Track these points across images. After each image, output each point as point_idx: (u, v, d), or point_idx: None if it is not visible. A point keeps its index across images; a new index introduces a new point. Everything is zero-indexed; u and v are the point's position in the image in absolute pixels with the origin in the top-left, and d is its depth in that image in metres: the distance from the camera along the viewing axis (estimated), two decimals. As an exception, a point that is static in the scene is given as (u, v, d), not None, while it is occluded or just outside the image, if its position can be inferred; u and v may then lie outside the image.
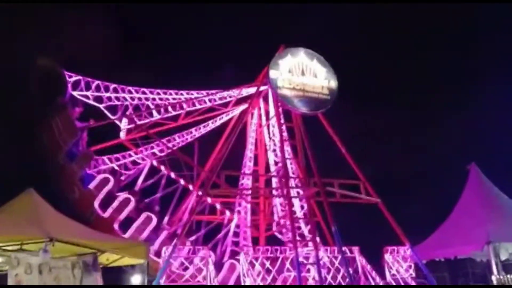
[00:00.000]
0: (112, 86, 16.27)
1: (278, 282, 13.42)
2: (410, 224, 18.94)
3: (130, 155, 17.71)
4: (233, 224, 17.92)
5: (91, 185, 14.88)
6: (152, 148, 18.04)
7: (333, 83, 17.59)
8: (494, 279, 14.68)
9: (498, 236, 14.48)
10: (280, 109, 17.17)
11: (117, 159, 17.31)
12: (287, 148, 17.60)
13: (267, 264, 13.60)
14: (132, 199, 15.07)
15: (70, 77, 15.42)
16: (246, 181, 18.72)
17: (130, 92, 16.67)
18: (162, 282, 12.69)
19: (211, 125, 19.82)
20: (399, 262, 15.38)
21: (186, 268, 13.18)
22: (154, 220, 14.84)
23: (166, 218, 16.97)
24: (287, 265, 13.73)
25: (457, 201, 18.36)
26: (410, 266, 15.45)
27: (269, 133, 19.23)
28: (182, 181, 18.02)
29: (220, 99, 19.08)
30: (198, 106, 18.51)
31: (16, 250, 8.08)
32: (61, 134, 14.96)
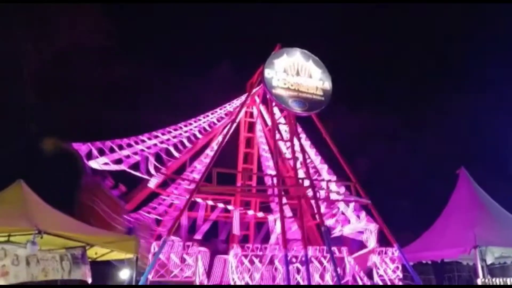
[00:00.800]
0: (124, 141, 15.56)
1: (265, 279, 13.48)
2: (398, 226, 19.12)
3: (164, 200, 17.35)
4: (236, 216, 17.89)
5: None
6: (179, 184, 17.52)
7: (328, 85, 17.66)
8: (479, 282, 14.88)
9: (485, 240, 14.69)
10: (275, 109, 17.24)
11: (154, 208, 16.86)
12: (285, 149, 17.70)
13: (256, 261, 13.65)
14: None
15: (79, 148, 14.28)
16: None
17: (143, 141, 16.10)
18: (150, 277, 12.71)
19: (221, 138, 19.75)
20: (387, 263, 15.52)
21: (176, 264, 13.19)
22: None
23: None
24: (276, 263, 13.80)
25: (446, 204, 18.60)
26: (397, 268, 15.60)
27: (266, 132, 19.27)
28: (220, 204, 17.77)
29: (226, 114, 19.18)
30: (208, 129, 18.48)
31: (3, 241, 8.03)
32: (109, 216, 13.53)
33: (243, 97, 19.11)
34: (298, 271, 14.06)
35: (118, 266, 13.82)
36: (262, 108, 19.93)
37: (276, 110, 18.04)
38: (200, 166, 18.39)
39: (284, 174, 18.32)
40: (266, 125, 19.88)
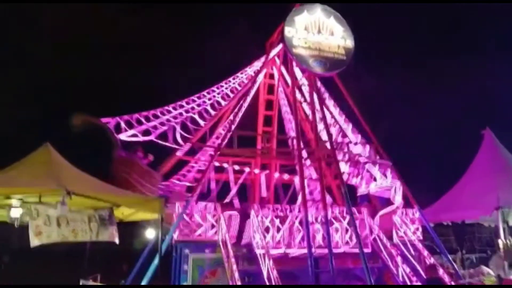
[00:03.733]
0: (151, 113, 15.65)
1: (287, 239, 13.73)
2: (420, 187, 19.05)
3: (193, 167, 17.55)
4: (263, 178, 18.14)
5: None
6: (205, 151, 17.68)
7: (350, 43, 17.13)
8: (500, 243, 14.88)
9: (508, 201, 14.52)
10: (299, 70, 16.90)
11: (185, 176, 17.16)
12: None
13: (277, 222, 13.86)
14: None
15: (107, 123, 14.40)
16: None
17: (169, 111, 16.18)
18: (175, 236, 13.11)
19: (244, 104, 19.57)
20: (407, 224, 15.58)
21: (199, 224, 13.53)
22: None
23: None
24: (296, 223, 13.99)
25: (469, 165, 18.34)
26: (417, 229, 15.67)
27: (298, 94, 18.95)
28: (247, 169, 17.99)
29: (247, 79, 18.87)
30: (231, 95, 18.29)
31: (35, 202, 8.29)
32: (144, 186, 13.36)
33: (263, 59, 18.71)
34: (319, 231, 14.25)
35: (144, 226, 14.28)
36: (282, 68, 19.54)
37: (297, 70, 17.68)
38: (224, 131, 18.50)
39: (306, 136, 18.24)
40: (287, 86, 19.56)
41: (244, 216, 14.54)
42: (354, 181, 16.58)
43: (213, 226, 13.63)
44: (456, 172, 18.82)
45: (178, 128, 16.04)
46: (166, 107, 16.42)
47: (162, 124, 15.84)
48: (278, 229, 13.69)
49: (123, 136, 14.53)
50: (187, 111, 16.85)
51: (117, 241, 9.21)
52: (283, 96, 20.20)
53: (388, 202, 16.10)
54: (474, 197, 15.87)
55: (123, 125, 14.71)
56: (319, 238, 14.01)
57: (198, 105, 17.32)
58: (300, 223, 13.78)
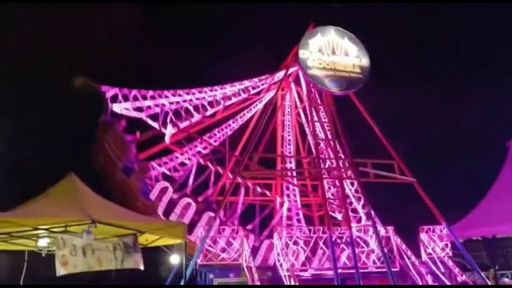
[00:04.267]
0: (149, 93, 16.33)
1: (313, 261, 13.55)
2: (446, 202, 18.58)
3: (177, 157, 17.96)
4: (285, 208, 18.14)
5: (152, 196, 14.95)
6: (195, 146, 18.24)
7: (365, 61, 17.21)
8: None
9: (540, 214, 14.02)
10: (314, 90, 17.01)
11: (165, 163, 17.60)
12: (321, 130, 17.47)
13: (301, 243, 13.71)
14: (192, 203, 15.23)
15: (107, 91, 15.39)
16: (290, 165, 18.69)
17: (167, 96, 16.74)
18: (199, 261, 13.10)
19: (247, 114, 19.87)
20: (435, 241, 15.16)
21: (223, 249, 13.50)
22: (216, 219, 14.33)
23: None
24: (321, 244, 13.82)
25: (496, 179, 17.85)
26: (446, 245, 15.22)
27: (305, 115, 19.09)
28: (230, 175, 18.06)
29: (253, 88, 19.07)
30: (233, 100, 18.58)
31: (61, 231, 8.43)
32: (114, 153, 14.90)
33: (273, 74, 18.95)
34: (343, 251, 14.02)
35: (168, 252, 14.36)
36: (294, 89, 19.79)
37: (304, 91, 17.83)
38: (219, 134, 18.86)
39: (324, 156, 18.14)
40: (296, 107, 19.86)
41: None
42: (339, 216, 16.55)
43: (237, 251, 13.57)
44: (482, 185, 18.34)
45: (170, 113, 16.50)
46: (166, 92, 16.87)
47: (156, 105, 16.42)
48: (303, 251, 13.53)
49: (116, 106, 15.44)
50: (184, 101, 17.21)
51: (142, 267, 9.25)
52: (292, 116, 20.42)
53: None
54: (504, 211, 15.39)
55: (120, 97, 15.62)
56: (345, 258, 13.79)
57: (197, 99, 17.59)
58: (325, 243, 13.60)
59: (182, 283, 10.77)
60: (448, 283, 14.01)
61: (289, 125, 20.69)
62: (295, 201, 19.18)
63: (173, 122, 16.51)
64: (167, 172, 17.24)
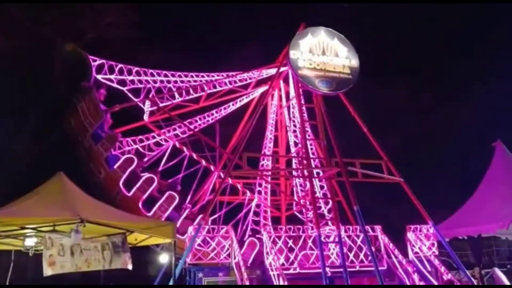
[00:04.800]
0: (135, 69, 16.61)
1: (300, 259, 13.64)
2: (433, 202, 18.83)
3: (153, 137, 18.22)
4: (253, 204, 18.25)
5: (116, 165, 15.32)
6: (174, 130, 18.47)
7: (355, 62, 17.34)
8: (519, 257, 14.57)
9: (524, 214, 14.31)
10: (301, 90, 17.11)
11: (141, 141, 17.94)
12: (308, 129, 17.61)
13: (290, 242, 13.81)
14: (155, 178, 15.46)
15: (94, 61, 15.82)
16: (267, 162, 18.89)
17: (152, 75, 17.02)
18: (188, 260, 13.12)
19: (232, 106, 19.97)
20: (422, 240, 15.38)
21: (209, 246, 13.55)
22: (177, 199, 15.24)
23: (188, 198, 17.47)
24: (309, 243, 13.92)
25: (482, 179, 18.15)
26: (433, 244, 15.44)
27: (289, 114, 19.21)
28: (203, 162, 18.31)
29: (240, 80, 19.14)
30: (218, 88, 18.65)
31: (49, 231, 8.41)
32: (86, 117, 15.44)
33: (260, 68, 19.05)
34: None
35: (156, 251, 14.42)
36: (283, 89, 19.90)
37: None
38: (200, 121, 19.15)
39: (313, 155, 18.29)
40: (281, 107, 20.01)
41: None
42: (309, 215, 16.83)
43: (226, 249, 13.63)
44: (469, 185, 18.64)
45: (152, 91, 16.80)
46: (151, 70, 17.10)
47: (140, 81, 16.67)
48: (292, 250, 13.63)
49: (100, 76, 15.82)
50: (168, 82, 17.42)
51: (130, 267, 9.26)
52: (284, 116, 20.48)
53: None
54: (489, 210, 15.67)
55: (105, 68, 16.02)
56: (333, 257, 13.91)
57: (182, 82, 17.77)
58: (314, 242, 13.71)
59: (171, 282, 10.80)
60: (434, 282, 14.23)
61: (272, 123, 20.76)
62: (265, 199, 19.26)
63: (152, 100, 16.66)
64: (141, 150, 17.57)
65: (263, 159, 19.15)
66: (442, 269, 14.65)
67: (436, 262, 14.91)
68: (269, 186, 19.12)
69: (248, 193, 18.64)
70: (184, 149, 18.25)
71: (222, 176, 15.91)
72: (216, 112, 19.75)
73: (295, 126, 19.17)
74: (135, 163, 15.53)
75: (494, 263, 18.25)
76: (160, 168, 17.44)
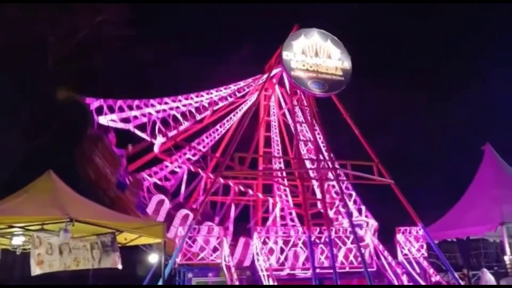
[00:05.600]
0: (135, 103, 15.86)
1: (289, 260, 13.70)
2: (423, 204, 18.95)
3: (167, 166, 17.87)
4: (277, 208, 18.32)
5: (149, 210, 14.61)
6: (185, 154, 18.27)
7: (347, 64, 17.45)
8: (507, 259, 14.74)
9: (512, 217, 14.48)
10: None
11: (156, 173, 17.52)
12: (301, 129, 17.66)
13: (280, 243, 13.84)
14: (190, 214, 14.85)
15: (91, 103, 14.89)
16: (279, 165, 18.87)
17: (153, 105, 16.30)
18: (178, 260, 13.10)
19: (233, 118, 19.90)
20: (411, 242, 15.50)
21: (202, 247, 13.53)
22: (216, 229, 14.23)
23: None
24: (300, 244, 13.97)
25: (471, 182, 18.32)
26: (422, 246, 15.57)
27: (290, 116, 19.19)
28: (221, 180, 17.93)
29: (239, 91, 18.98)
30: (220, 104, 18.44)
31: (37, 229, 8.35)
32: (105, 167, 14.42)
33: (258, 77, 19.03)
34: (322, 252, 14.20)
35: (146, 251, 14.31)
36: (278, 90, 19.91)
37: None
38: (207, 140, 18.87)
39: (305, 157, 18.33)
40: (280, 108, 19.95)
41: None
42: (330, 213, 16.58)
43: (216, 250, 13.62)
44: (459, 188, 18.80)
45: (158, 123, 16.07)
46: (151, 100, 16.49)
47: (143, 115, 15.93)
48: (282, 250, 13.67)
49: (102, 119, 14.88)
50: (171, 109, 16.86)
51: (119, 266, 9.22)
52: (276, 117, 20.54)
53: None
54: (478, 213, 15.83)
55: (105, 108, 15.08)
56: (323, 258, 13.97)
57: (184, 105, 17.28)
58: (304, 244, 13.77)
59: (160, 282, 10.78)
60: (423, 283, 14.34)
61: (275, 125, 20.81)
62: (287, 201, 19.34)
63: (161, 132, 16.00)
64: (159, 182, 17.02)
65: (275, 162, 19.06)
66: (431, 270, 14.77)
67: (425, 264, 15.02)
68: (287, 189, 19.17)
69: (271, 199, 18.55)
70: (200, 170, 18.00)
71: (214, 176, 15.86)
72: (220, 127, 19.61)
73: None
74: (167, 203, 14.99)
75: (482, 265, 18.43)
76: (182, 196, 17.05)
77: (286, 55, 16.59)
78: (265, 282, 12.71)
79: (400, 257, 15.09)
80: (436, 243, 15.33)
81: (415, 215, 15.77)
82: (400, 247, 15.27)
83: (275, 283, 12.31)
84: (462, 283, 14.82)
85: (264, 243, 13.60)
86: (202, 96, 18.06)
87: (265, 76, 18.25)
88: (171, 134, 16.39)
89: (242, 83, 19.21)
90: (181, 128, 16.74)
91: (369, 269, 13.14)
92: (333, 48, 17.52)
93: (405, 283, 13.93)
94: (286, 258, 13.68)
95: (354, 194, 17.25)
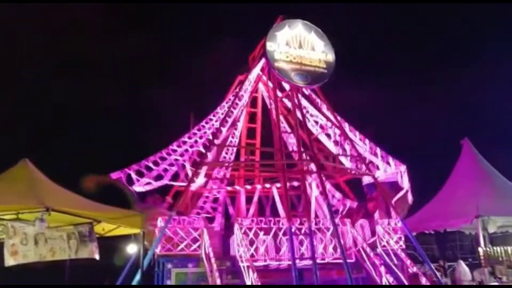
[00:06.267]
0: (158, 156, 15.54)
1: (270, 251, 13.75)
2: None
3: (207, 197, 18.31)
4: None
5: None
6: (216, 178, 18.57)
7: (331, 57, 17.47)
8: (481, 251, 15.15)
9: (487, 210, 14.86)
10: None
11: (202, 208, 17.86)
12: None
13: (261, 234, 13.87)
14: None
15: (118, 176, 14.44)
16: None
17: (174, 150, 16.04)
18: (157, 251, 13.01)
19: (239, 124, 19.62)
20: (390, 234, 15.73)
21: (181, 238, 13.46)
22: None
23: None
24: (280, 235, 14.02)
25: (449, 175, 18.70)
26: (400, 238, 15.82)
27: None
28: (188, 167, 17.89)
29: (229, 116, 18.49)
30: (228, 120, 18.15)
31: (12, 219, 8.18)
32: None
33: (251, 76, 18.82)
34: (302, 243, 14.29)
35: (126, 241, 14.14)
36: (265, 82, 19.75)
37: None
38: (228, 155, 19.17)
39: (288, 150, 18.39)
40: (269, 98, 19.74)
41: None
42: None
43: (196, 240, 13.56)
44: (438, 181, 19.17)
45: (187, 165, 15.92)
46: (171, 147, 16.25)
47: (171, 165, 15.80)
48: (262, 241, 13.69)
49: (138, 187, 14.57)
50: (191, 146, 16.67)
51: (97, 257, 9.12)
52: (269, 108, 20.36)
53: (396, 185, 16.96)
54: (455, 206, 16.19)
55: (133, 176, 14.71)
56: (303, 249, 14.06)
57: (200, 137, 17.06)
58: (284, 234, 13.82)
59: (139, 273, 10.69)
60: (400, 274, 14.60)
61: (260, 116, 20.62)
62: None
63: (195, 173, 15.47)
64: (209, 215, 17.40)
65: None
66: (408, 262, 15.04)
67: (403, 255, 15.29)
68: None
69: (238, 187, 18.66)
70: (237, 187, 18.23)
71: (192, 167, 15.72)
72: (232, 137, 19.24)
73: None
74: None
75: (458, 256, 18.91)
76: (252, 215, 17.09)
77: (270, 45, 16.51)
78: (245, 273, 12.74)
79: (379, 248, 15.31)
80: (414, 235, 15.60)
81: (394, 208, 16.03)
82: (379, 239, 15.50)
83: (255, 274, 12.34)
84: (438, 274, 15.17)
85: (245, 233, 13.60)
86: (211, 120, 17.64)
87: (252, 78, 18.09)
88: (203, 171, 16.23)
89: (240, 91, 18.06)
90: (209, 159, 16.12)
91: (348, 260, 13.30)
92: (317, 40, 17.51)
93: (383, 274, 14.14)
94: (266, 249, 13.71)
95: (378, 149, 17.68)
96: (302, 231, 14.06)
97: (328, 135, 17.87)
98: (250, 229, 13.70)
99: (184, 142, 16.60)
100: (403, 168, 17.21)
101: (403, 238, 15.87)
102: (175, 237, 13.33)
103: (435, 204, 18.04)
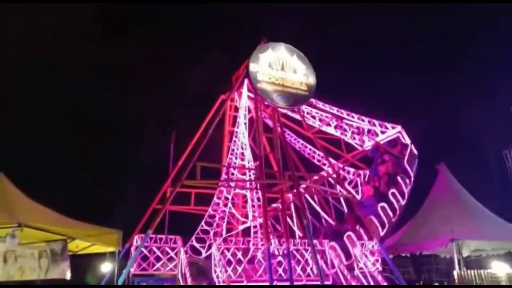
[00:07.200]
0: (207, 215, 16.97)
1: (248, 271, 13.62)
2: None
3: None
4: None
5: None
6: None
7: (312, 80, 17.81)
8: (456, 274, 15.34)
9: (462, 234, 15.15)
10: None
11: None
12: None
13: (239, 254, 13.74)
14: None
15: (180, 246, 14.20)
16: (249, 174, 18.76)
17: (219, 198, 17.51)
18: (132, 270, 12.73)
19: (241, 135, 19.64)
20: (367, 256, 15.81)
21: (158, 257, 13.22)
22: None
23: None
24: (259, 256, 13.93)
25: (425, 199, 19.03)
26: (377, 260, 15.91)
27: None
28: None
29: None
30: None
31: (-18, 235, 7.93)
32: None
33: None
34: (280, 264, 14.21)
35: (100, 259, 13.85)
36: (248, 101, 19.93)
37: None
38: (248, 175, 18.85)
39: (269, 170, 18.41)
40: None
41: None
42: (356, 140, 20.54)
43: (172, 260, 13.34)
44: (414, 204, 19.44)
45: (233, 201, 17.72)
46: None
47: (216, 205, 17.21)
48: (240, 262, 13.57)
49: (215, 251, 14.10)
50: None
51: (68, 277, 8.88)
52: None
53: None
54: (430, 229, 16.45)
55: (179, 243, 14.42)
56: (281, 270, 13.97)
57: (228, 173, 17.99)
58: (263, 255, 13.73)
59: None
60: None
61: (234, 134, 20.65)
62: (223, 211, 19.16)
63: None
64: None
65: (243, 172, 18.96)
66: (384, 284, 15.10)
67: (379, 278, 15.34)
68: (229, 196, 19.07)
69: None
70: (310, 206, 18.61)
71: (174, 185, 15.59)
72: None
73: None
74: None
75: (433, 280, 19.09)
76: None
77: (253, 67, 16.73)
78: (222, 294, 12.56)
79: (357, 271, 15.34)
80: (390, 258, 15.72)
81: (372, 230, 16.16)
82: (356, 261, 15.54)
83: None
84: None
85: (222, 254, 13.46)
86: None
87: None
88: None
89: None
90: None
91: (325, 282, 13.27)
92: (298, 63, 17.84)
93: (360, 296, 14.15)
94: (244, 269, 13.58)
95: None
96: (281, 252, 14.00)
97: (328, 124, 20.57)
98: (228, 249, 13.58)
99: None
100: (399, 128, 20.57)
101: (380, 260, 15.95)
102: (151, 256, 13.08)
103: (411, 227, 18.28)
